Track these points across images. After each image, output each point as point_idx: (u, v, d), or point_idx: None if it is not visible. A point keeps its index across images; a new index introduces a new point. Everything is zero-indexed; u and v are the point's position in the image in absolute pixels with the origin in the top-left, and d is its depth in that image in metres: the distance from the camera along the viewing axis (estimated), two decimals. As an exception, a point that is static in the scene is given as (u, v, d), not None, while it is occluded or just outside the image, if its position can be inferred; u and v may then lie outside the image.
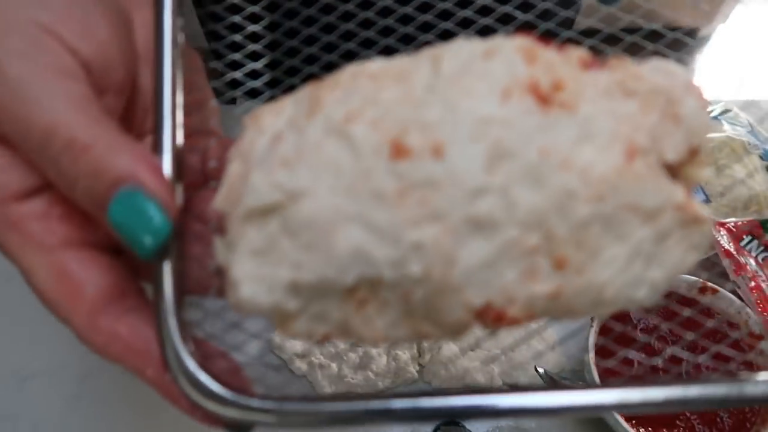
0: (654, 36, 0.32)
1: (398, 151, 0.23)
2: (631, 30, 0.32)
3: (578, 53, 0.26)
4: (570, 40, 0.31)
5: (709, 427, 0.63)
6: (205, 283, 0.30)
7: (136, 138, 0.33)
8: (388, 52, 0.31)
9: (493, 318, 0.25)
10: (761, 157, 0.64)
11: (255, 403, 0.26)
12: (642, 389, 0.25)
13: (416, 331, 0.26)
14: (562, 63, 0.25)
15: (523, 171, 0.23)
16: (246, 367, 0.30)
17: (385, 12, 0.31)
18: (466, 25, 0.31)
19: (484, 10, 0.31)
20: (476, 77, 0.24)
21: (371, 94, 0.25)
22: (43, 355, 0.74)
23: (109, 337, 0.27)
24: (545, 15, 0.31)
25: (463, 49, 0.26)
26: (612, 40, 0.31)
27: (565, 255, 0.24)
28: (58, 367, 0.73)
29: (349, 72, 0.26)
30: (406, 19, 0.31)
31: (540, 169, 0.23)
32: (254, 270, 0.25)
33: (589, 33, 0.32)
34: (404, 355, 0.57)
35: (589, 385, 0.26)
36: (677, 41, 0.33)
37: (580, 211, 0.23)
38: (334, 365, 0.54)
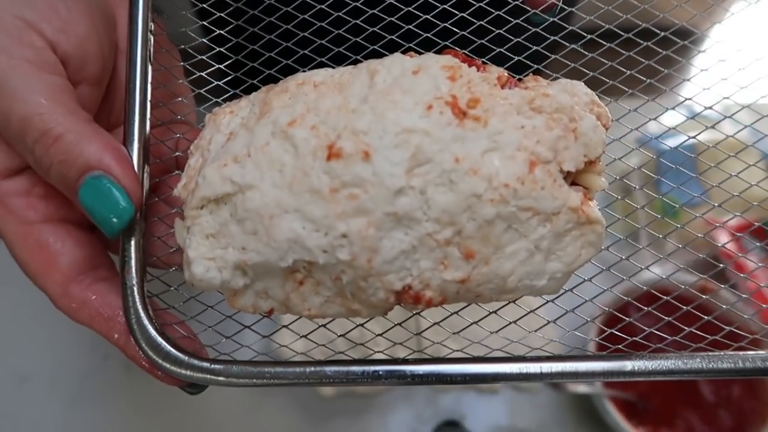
0: (652, 36, 0.36)
1: (333, 153, 0.27)
2: (630, 30, 0.35)
3: (498, 72, 0.30)
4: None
5: (708, 426, 0.65)
6: (169, 259, 0.33)
7: (114, 124, 0.36)
8: (339, 58, 0.34)
9: (411, 299, 0.29)
10: (761, 157, 0.65)
11: (206, 364, 0.30)
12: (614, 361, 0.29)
13: (347, 309, 0.30)
14: (480, 80, 0.29)
15: (439, 175, 0.27)
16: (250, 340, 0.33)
17: (338, 23, 0.35)
18: (410, 37, 0.35)
19: (427, 25, 0.35)
20: (404, 91, 0.28)
21: (313, 101, 0.29)
22: (43, 355, 0.76)
23: (80, 304, 0.31)
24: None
25: (396, 64, 0.29)
26: (609, 39, 0.35)
27: (473, 248, 0.28)
28: (58, 367, 0.75)
29: (297, 80, 0.30)
30: (357, 30, 0.35)
31: (453, 174, 0.27)
32: (206, 251, 0.29)
33: (586, 33, 0.36)
34: (404, 352, 0.59)
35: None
36: (676, 40, 0.36)
37: (486, 211, 0.27)
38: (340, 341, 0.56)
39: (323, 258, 0.28)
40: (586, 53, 0.34)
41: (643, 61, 0.36)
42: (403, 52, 0.31)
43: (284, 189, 0.28)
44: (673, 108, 0.38)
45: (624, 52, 0.36)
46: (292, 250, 0.28)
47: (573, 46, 0.33)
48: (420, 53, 0.32)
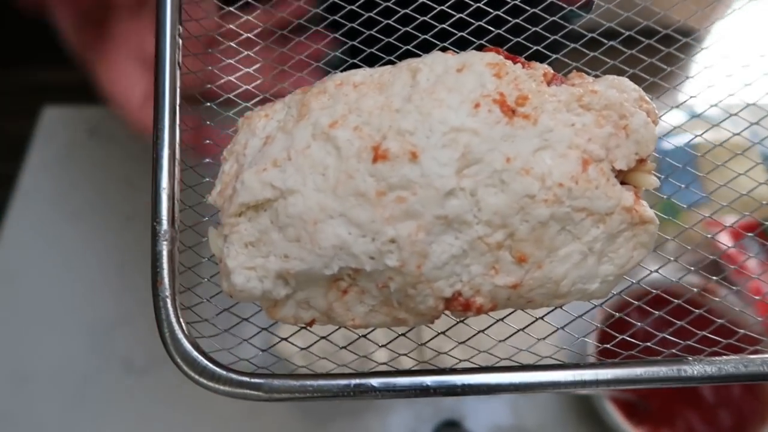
0: (654, 34, 0.35)
1: (379, 155, 0.26)
2: (630, 30, 0.35)
3: (543, 68, 0.29)
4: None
5: (708, 426, 0.64)
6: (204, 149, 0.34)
7: None
8: (372, 59, 0.33)
9: (461, 306, 0.28)
10: (761, 157, 0.64)
11: (245, 379, 0.28)
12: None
13: (393, 318, 0.29)
14: (527, 77, 0.28)
15: (489, 176, 0.26)
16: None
17: (370, 24, 0.34)
18: (444, 36, 0.34)
19: (461, 24, 0.34)
20: (449, 89, 0.27)
21: (354, 102, 0.28)
22: (43, 355, 0.76)
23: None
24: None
25: (438, 62, 0.28)
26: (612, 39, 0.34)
27: (525, 251, 0.27)
28: (58, 367, 0.75)
29: (335, 80, 0.29)
30: (389, 30, 0.34)
31: (504, 174, 0.26)
32: (246, 260, 0.27)
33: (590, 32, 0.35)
34: (406, 358, 0.59)
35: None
36: (676, 40, 0.36)
37: (540, 212, 0.26)
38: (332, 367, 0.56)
39: (370, 265, 0.26)
40: (593, 53, 0.34)
41: (645, 58, 0.35)
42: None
43: (328, 193, 0.26)
44: (675, 106, 0.37)
45: (626, 50, 0.35)
46: (338, 257, 0.26)
47: (575, 45, 0.32)
48: (457, 52, 0.31)
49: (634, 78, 0.35)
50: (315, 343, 0.34)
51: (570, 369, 0.29)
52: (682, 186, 0.36)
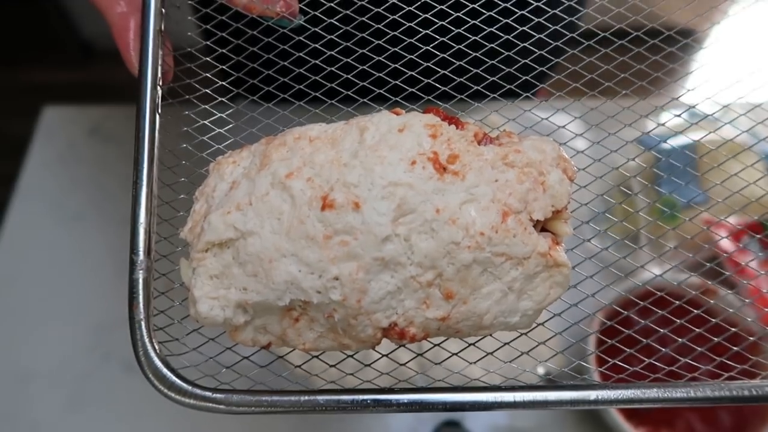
0: (652, 37, 0.39)
1: (326, 204, 0.30)
2: (629, 32, 0.38)
3: (474, 129, 0.33)
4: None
5: (708, 426, 0.65)
6: None
7: None
8: (332, 110, 0.38)
9: (397, 335, 0.32)
10: (761, 158, 0.64)
11: (208, 394, 0.33)
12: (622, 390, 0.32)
13: (339, 343, 0.33)
14: (459, 138, 0.32)
15: (421, 224, 0.30)
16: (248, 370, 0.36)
17: (331, 77, 0.38)
18: (396, 91, 0.38)
19: (412, 80, 0.38)
20: (390, 147, 0.31)
21: (309, 155, 0.32)
22: (43, 355, 0.77)
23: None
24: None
25: (383, 122, 0.32)
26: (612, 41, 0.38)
27: (452, 289, 0.31)
28: (58, 367, 0.76)
29: (294, 134, 0.33)
30: (348, 84, 0.38)
31: (434, 223, 0.30)
32: (211, 291, 0.31)
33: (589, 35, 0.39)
34: (404, 357, 0.61)
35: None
36: (675, 41, 0.39)
37: (464, 257, 0.30)
38: (333, 370, 0.58)
39: (317, 298, 0.31)
40: (601, 62, 0.38)
41: (649, 56, 0.38)
42: (391, 104, 0.34)
43: (282, 235, 0.31)
44: (660, 105, 0.40)
45: (617, 56, 0.39)
46: (289, 290, 0.31)
47: (573, 50, 0.37)
48: (405, 106, 0.35)
49: (637, 74, 0.38)
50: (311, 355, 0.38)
51: (492, 392, 0.33)
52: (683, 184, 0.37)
